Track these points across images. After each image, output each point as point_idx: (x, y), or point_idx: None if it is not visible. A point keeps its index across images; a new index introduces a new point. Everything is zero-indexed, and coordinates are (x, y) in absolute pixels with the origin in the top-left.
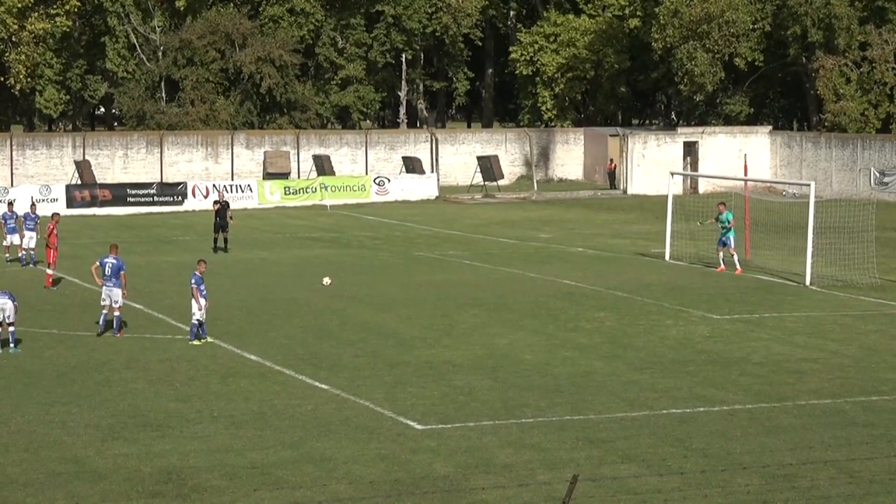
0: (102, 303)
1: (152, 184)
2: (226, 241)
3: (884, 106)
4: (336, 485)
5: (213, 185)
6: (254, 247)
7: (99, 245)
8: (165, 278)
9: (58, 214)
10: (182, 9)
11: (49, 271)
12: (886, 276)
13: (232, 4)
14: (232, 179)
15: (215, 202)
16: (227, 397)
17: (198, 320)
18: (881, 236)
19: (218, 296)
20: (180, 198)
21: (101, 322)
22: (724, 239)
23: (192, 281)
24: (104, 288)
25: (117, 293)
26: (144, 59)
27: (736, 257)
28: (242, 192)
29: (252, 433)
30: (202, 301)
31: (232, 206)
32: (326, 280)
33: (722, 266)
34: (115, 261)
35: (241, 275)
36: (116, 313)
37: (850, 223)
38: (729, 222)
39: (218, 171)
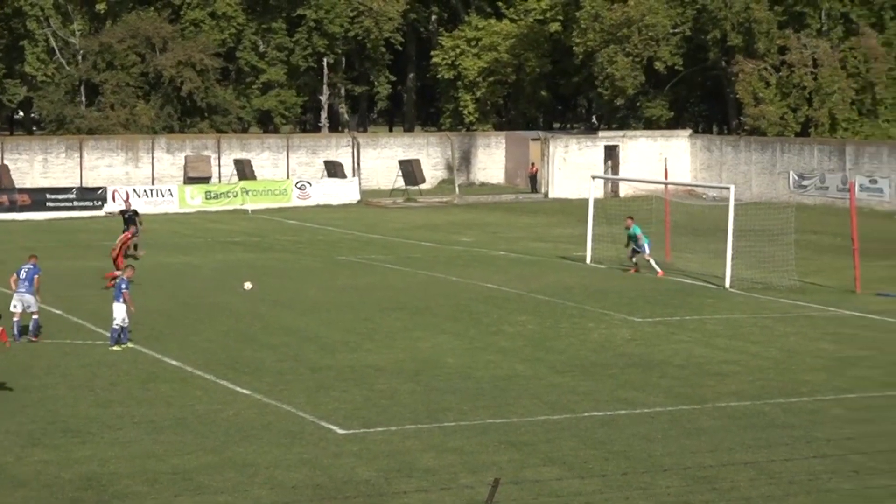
0: (13, 309)
1: (72, 188)
2: (135, 247)
3: (803, 110)
4: (258, 490)
5: (133, 190)
6: (175, 251)
7: (20, 251)
8: (86, 283)
9: None
10: (102, 12)
11: None
12: (805, 279)
13: (153, 8)
14: (152, 184)
15: (122, 211)
16: (149, 403)
17: (119, 325)
18: (800, 239)
19: (139, 300)
20: (100, 202)
21: (14, 329)
22: (636, 248)
23: (124, 286)
24: (16, 294)
25: (30, 299)
26: (64, 62)
27: (653, 261)
28: (163, 196)
29: (173, 438)
30: (132, 308)
31: (153, 211)
32: (248, 285)
33: (634, 268)
34: (31, 266)
35: (162, 279)
36: (35, 317)
37: (770, 226)
38: (637, 237)
39: (138, 175)
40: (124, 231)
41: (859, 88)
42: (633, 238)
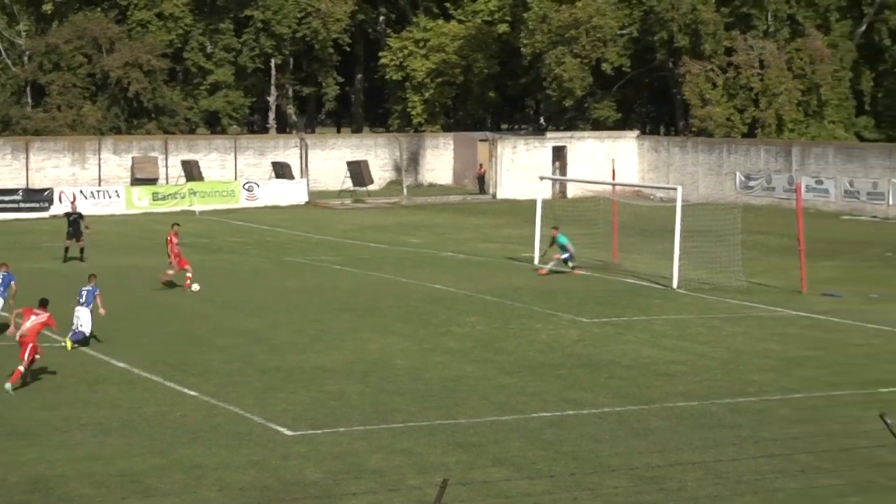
0: None
1: (18, 190)
2: (81, 250)
3: (749, 111)
4: (206, 492)
5: (80, 191)
6: (122, 253)
7: None
8: (33, 285)
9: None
10: (48, 13)
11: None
12: (752, 279)
13: (99, 9)
14: (99, 185)
15: (67, 213)
16: (96, 405)
17: (82, 330)
18: (747, 239)
19: None
20: (47, 204)
21: None
22: (563, 256)
23: (97, 292)
24: None
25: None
26: (10, 63)
27: (553, 264)
28: (110, 198)
29: (121, 441)
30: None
31: (100, 213)
32: (195, 286)
33: (544, 269)
34: (5, 274)
35: (109, 281)
36: None
37: (717, 227)
38: (565, 246)
39: (85, 176)
40: (68, 236)
41: (805, 90)
42: (561, 247)
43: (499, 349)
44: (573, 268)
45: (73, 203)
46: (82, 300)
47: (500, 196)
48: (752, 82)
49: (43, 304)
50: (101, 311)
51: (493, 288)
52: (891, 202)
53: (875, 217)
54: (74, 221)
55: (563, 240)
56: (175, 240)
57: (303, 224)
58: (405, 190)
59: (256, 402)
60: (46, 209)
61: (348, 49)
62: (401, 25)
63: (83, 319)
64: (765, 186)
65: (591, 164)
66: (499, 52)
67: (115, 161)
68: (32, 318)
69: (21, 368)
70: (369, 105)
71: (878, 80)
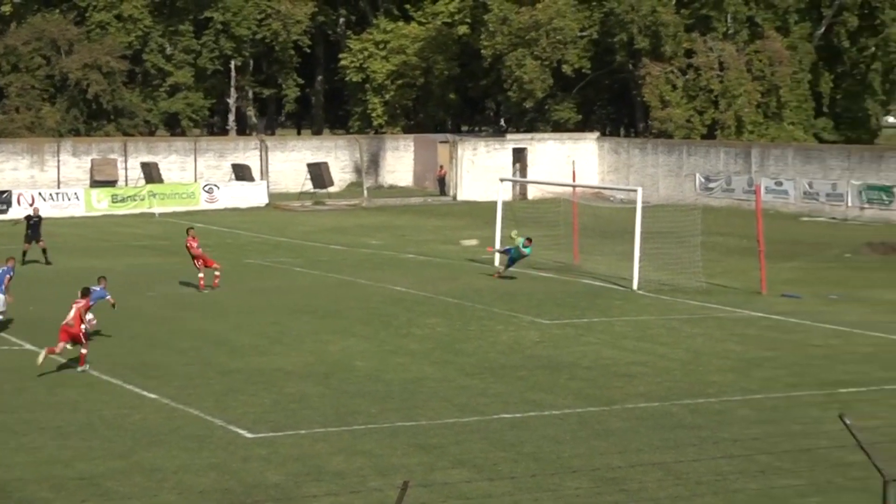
0: None
1: None
2: (44, 251)
3: (709, 112)
4: (166, 495)
5: (39, 194)
6: (82, 255)
7: None
8: None
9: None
10: (7, 14)
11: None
12: (712, 280)
13: (58, 10)
14: (58, 187)
15: (27, 217)
16: (55, 408)
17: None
18: (707, 241)
19: (45, 305)
20: (5, 206)
21: None
22: (514, 255)
23: (107, 295)
24: None
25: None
26: None
27: (503, 266)
28: (69, 200)
29: (80, 444)
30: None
31: (59, 215)
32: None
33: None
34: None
35: (68, 284)
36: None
37: (677, 228)
38: (515, 252)
39: (44, 178)
40: (27, 238)
41: (764, 91)
42: (512, 250)
43: (459, 351)
44: (499, 260)
45: (34, 207)
46: (91, 301)
47: (460, 198)
48: (712, 84)
49: (85, 293)
50: (114, 306)
51: (453, 289)
52: (849, 203)
53: (834, 218)
54: (34, 225)
55: (519, 251)
56: (194, 243)
57: (262, 226)
58: (365, 192)
59: (217, 404)
60: (5, 212)
61: (308, 51)
62: (361, 27)
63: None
64: (724, 188)
65: (552, 165)
66: (459, 54)
67: (74, 163)
68: (74, 307)
69: (84, 351)
70: (329, 107)
71: (837, 81)
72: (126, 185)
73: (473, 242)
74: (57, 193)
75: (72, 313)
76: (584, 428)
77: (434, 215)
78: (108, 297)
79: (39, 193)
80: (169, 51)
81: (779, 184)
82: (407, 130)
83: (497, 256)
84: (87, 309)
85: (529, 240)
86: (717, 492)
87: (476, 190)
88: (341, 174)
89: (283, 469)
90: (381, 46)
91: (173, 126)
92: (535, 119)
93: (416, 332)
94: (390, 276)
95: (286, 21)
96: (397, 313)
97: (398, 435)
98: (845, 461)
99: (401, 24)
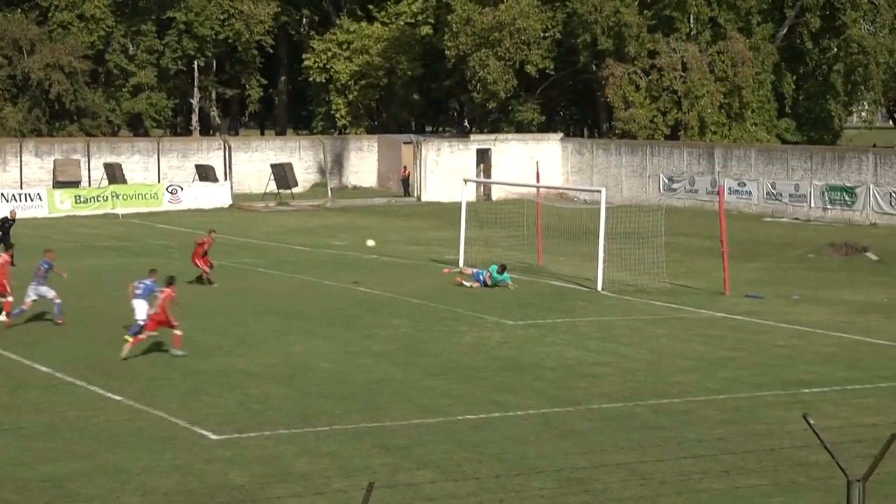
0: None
1: None
2: (12, 256)
3: (672, 113)
4: (129, 497)
5: (2, 194)
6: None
7: None
8: None
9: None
10: None
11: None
12: (676, 281)
13: (20, 10)
14: (21, 188)
15: (3, 219)
16: (17, 409)
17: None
18: (670, 241)
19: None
20: None
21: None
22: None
23: (155, 288)
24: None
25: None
26: None
27: (466, 281)
28: (32, 200)
29: (43, 445)
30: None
31: (22, 216)
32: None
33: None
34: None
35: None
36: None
37: (641, 229)
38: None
39: (6, 179)
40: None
41: (727, 92)
42: (494, 277)
43: (423, 352)
44: (461, 276)
45: (12, 211)
46: (139, 292)
47: (424, 198)
48: (675, 85)
49: (170, 282)
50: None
51: (417, 290)
52: (812, 204)
53: (797, 219)
54: (7, 229)
55: (497, 277)
56: (206, 247)
57: (226, 227)
58: (329, 192)
59: (181, 405)
60: None
61: (271, 51)
62: (324, 27)
63: (139, 311)
64: (688, 188)
65: (516, 166)
66: (422, 55)
67: (36, 164)
68: (159, 297)
69: (178, 332)
70: (293, 107)
71: (800, 82)
72: (89, 185)
73: (371, 243)
74: (20, 194)
75: (157, 302)
76: (549, 428)
77: (398, 216)
78: (156, 289)
79: (2, 194)
80: (132, 51)
81: (742, 184)
82: (370, 131)
83: (461, 263)
84: (172, 299)
85: (504, 267)
86: (681, 492)
87: (440, 191)
88: (305, 175)
89: (247, 470)
90: (344, 47)
91: (136, 126)
92: (498, 120)
93: (380, 334)
94: (354, 277)
95: (249, 21)
96: (361, 314)
97: (362, 436)
98: (808, 461)
99: (364, 24)
